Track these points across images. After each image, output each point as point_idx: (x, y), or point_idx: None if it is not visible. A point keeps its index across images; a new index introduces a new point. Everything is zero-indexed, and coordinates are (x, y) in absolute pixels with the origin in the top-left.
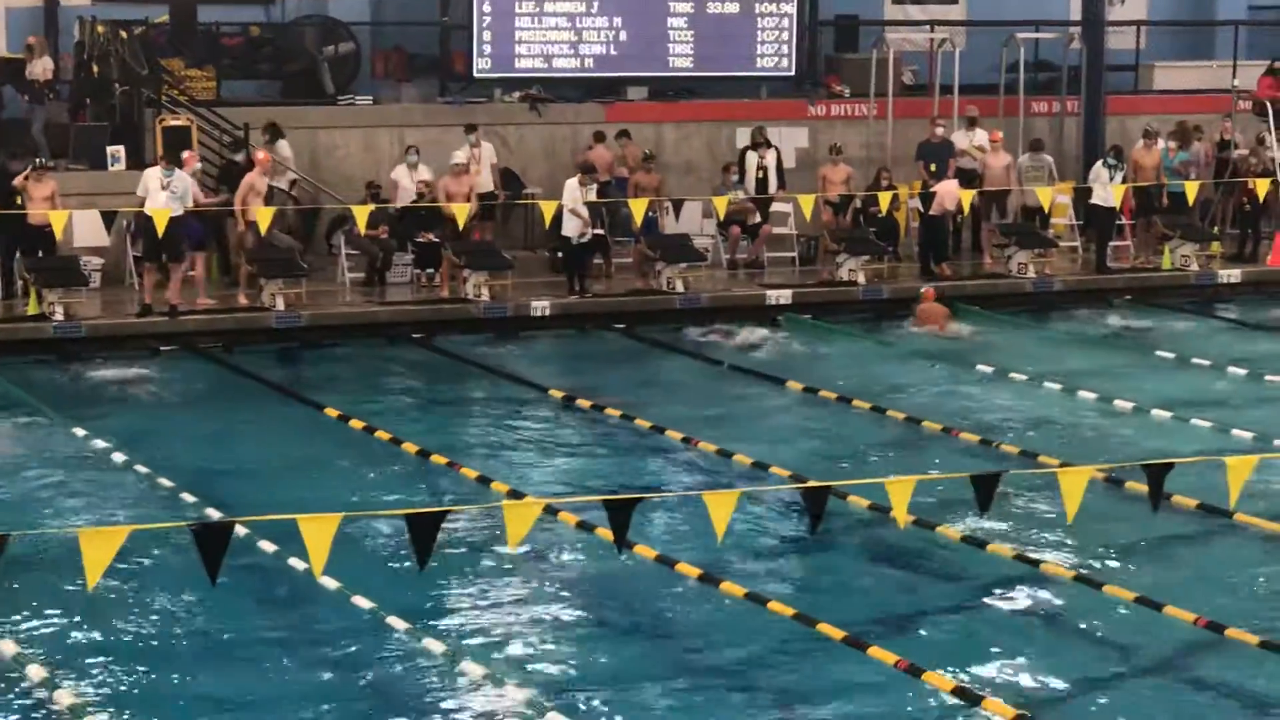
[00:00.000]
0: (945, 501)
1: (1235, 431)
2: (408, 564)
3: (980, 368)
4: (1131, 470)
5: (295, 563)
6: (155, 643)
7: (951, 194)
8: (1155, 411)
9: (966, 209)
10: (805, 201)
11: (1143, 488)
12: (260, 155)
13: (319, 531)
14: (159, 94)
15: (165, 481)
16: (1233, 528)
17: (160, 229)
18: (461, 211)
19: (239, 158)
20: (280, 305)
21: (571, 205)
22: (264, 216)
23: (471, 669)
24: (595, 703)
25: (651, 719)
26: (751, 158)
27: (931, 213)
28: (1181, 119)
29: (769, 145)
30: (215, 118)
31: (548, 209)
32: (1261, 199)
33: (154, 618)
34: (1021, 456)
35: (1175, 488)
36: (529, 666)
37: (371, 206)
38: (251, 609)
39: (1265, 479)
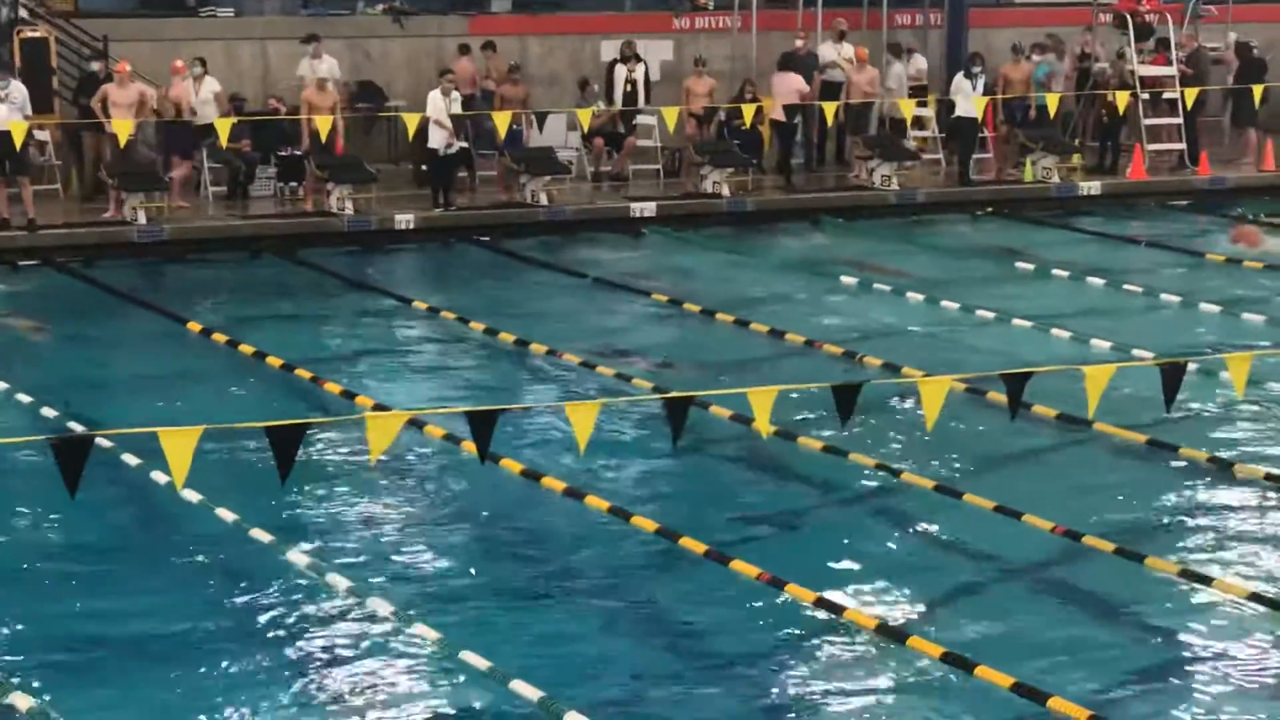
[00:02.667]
0: (808, 413)
1: (1094, 341)
2: (272, 477)
3: (843, 280)
4: (991, 380)
5: (158, 476)
6: (15, 556)
7: (788, 91)
8: (1016, 322)
9: (830, 120)
10: (669, 114)
11: (1002, 398)
12: (120, 66)
13: (180, 445)
14: (16, 6)
15: (24, 397)
16: (1091, 437)
17: None
18: (324, 124)
19: (95, 67)
20: (142, 219)
21: (436, 117)
22: (122, 129)
23: (336, 582)
24: (459, 616)
25: (515, 633)
26: (620, 71)
27: (772, 117)
28: (1051, 32)
29: (637, 59)
30: (74, 29)
31: (411, 121)
32: (1121, 112)
33: (14, 532)
34: (883, 368)
35: (1035, 397)
36: (394, 580)
37: (234, 119)
38: (114, 523)
39: (1123, 389)
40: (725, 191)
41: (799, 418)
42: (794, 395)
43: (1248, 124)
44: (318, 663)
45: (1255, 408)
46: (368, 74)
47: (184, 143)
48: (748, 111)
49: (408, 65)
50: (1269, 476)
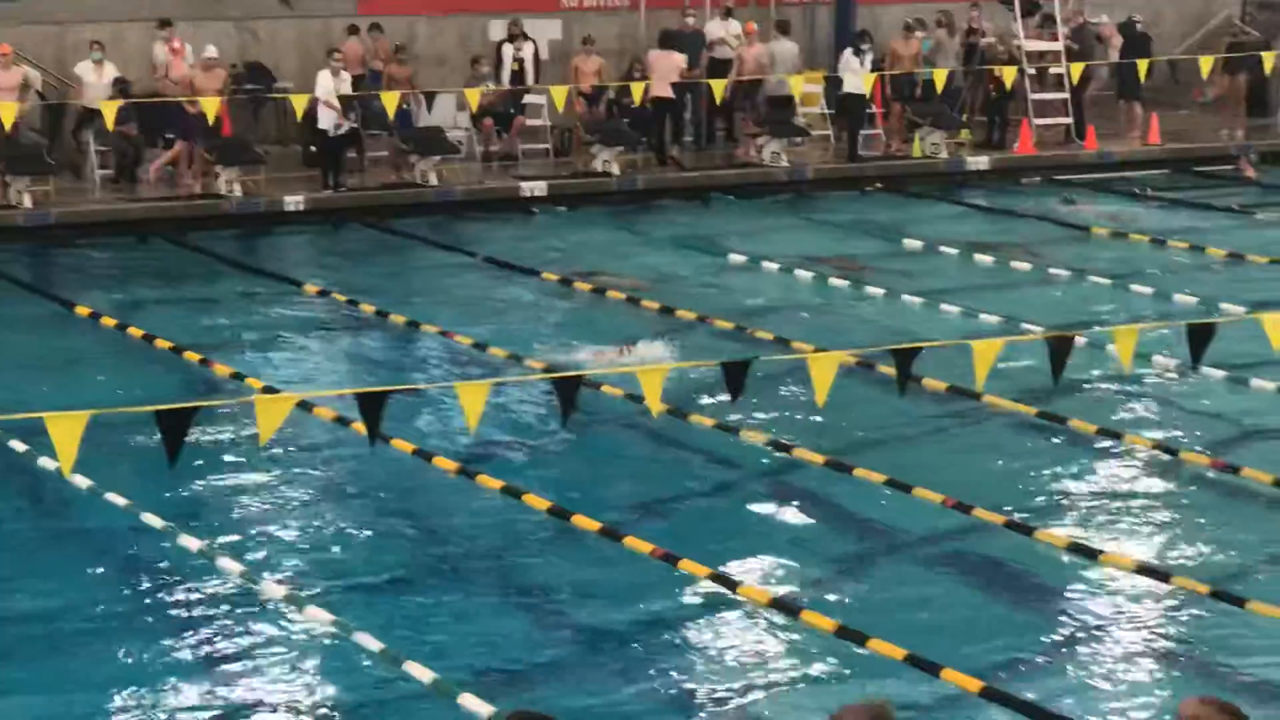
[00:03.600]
0: (699, 389)
1: (983, 315)
2: (162, 462)
3: (734, 256)
4: (881, 354)
5: (46, 462)
6: None
7: (668, 69)
8: (905, 297)
9: (719, 98)
10: (558, 93)
11: (892, 372)
12: (1, 48)
13: (67, 429)
14: None
15: None
16: (981, 410)
17: None
18: (210, 105)
19: None
20: (28, 203)
21: (324, 98)
22: (7, 112)
23: (228, 565)
24: (352, 598)
25: (408, 614)
26: (508, 50)
27: (654, 94)
28: (943, 9)
29: (525, 38)
30: None
31: (299, 103)
32: (1008, 87)
33: None
34: (775, 343)
35: (924, 371)
36: (286, 563)
37: (120, 102)
38: (2, 509)
39: (1012, 362)
40: (615, 170)
41: (688, 390)
42: (687, 372)
43: (1133, 98)
44: (211, 647)
45: (1143, 380)
46: (255, 55)
47: (176, 125)
48: (636, 90)
49: (296, 46)
50: (1157, 447)
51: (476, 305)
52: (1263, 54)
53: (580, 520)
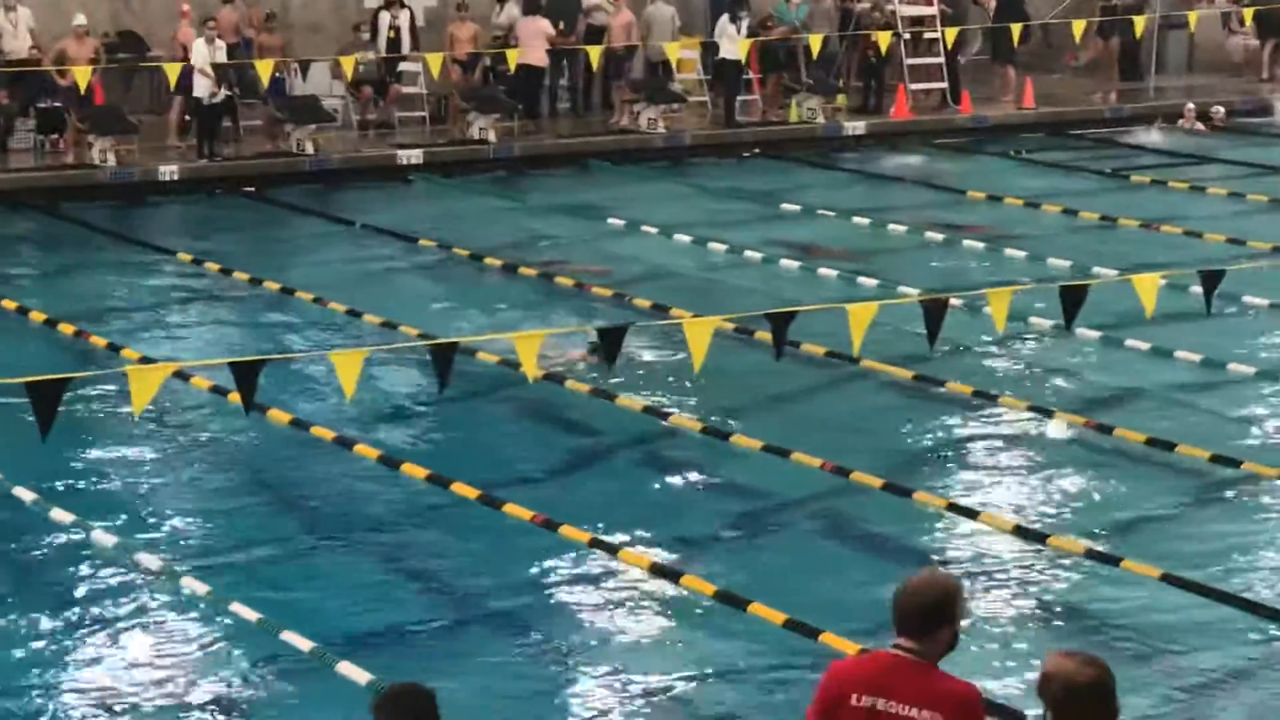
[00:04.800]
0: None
1: (860, 280)
2: (34, 434)
3: (612, 221)
4: (757, 320)
5: None
6: None
7: (533, 34)
8: (784, 262)
9: (595, 65)
10: (433, 60)
11: (769, 337)
12: None
13: None
14: None
15: None
16: (858, 374)
17: None
18: (82, 74)
19: None
20: None
21: (199, 66)
22: None
23: (103, 538)
24: (229, 569)
25: (286, 584)
26: (384, 17)
27: (522, 60)
28: None
29: (402, 5)
30: None
31: (172, 71)
32: (884, 52)
33: None
34: (653, 309)
35: (802, 336)
36: (162, 534)
37: None
38: None
39: (888, 325)
40: (491, 137)
41: (567, 361)
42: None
43: (1007, 62)
44: (86, 621)
45: (1017, 342)
46: (128, 24)
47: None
48: (511, 56)
49: (168, 15)
50: (1032, 408)
51: (353, 274)
52: (1134, 18)
53: (459, 488)
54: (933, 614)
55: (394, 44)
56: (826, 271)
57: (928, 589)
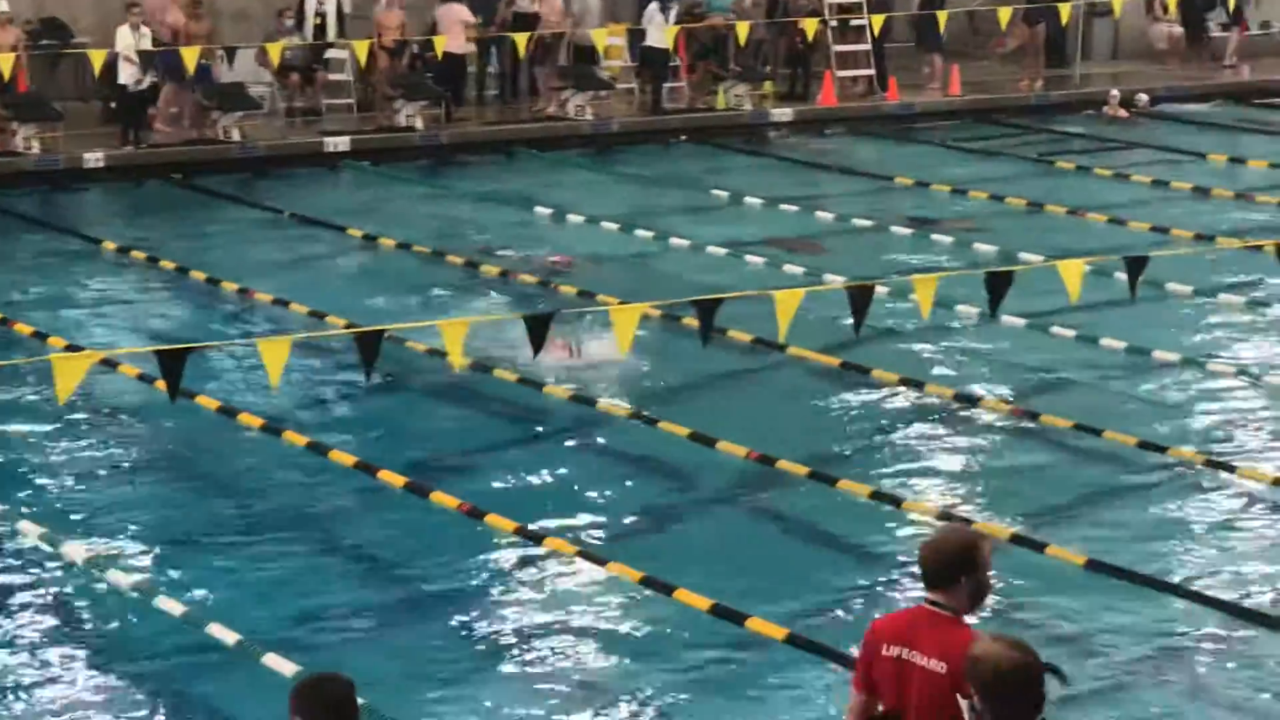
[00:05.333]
0: (501, 344)
1: (786, 267)
2: None
3: (539, 209)
4: (684, 306)
5: None
6: None
7: (451, 22)
8: (711, 249)
9: (522, 52)
10: (360, 47)
11: (696, 323)
12: None
13: None
14: None
15: None
16: (785, 361)
17: None
18: (5, 61)
19: None
20: None
21: (124, 53)
22: None
23: (27, 528)
24: (154, 560)
25: (212, 574)
26: (310, 3)
27: (447, 49)
28: None
29: None
30: None
31: (98, 58)
32: (811, 38)
33: None
34: (579, 296)
35: (729, 323)
36: (87, 524)
37: None
38: None
39: (815, 312)
40: (419, 125)
41: (493, 349)
42: (490, 326)
43: (933, 50)
44: (9, 612)
45: (943, 328)
46: (52, 10)
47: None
48: (439, 43)
49: (93, 1)
50: (958, 396)
51: (280, 261)
52: (1060, 5)
53: (386, 476)
54: (950, 567)
55: (320, 30)
56: (753, 258)
57: (943, 543)
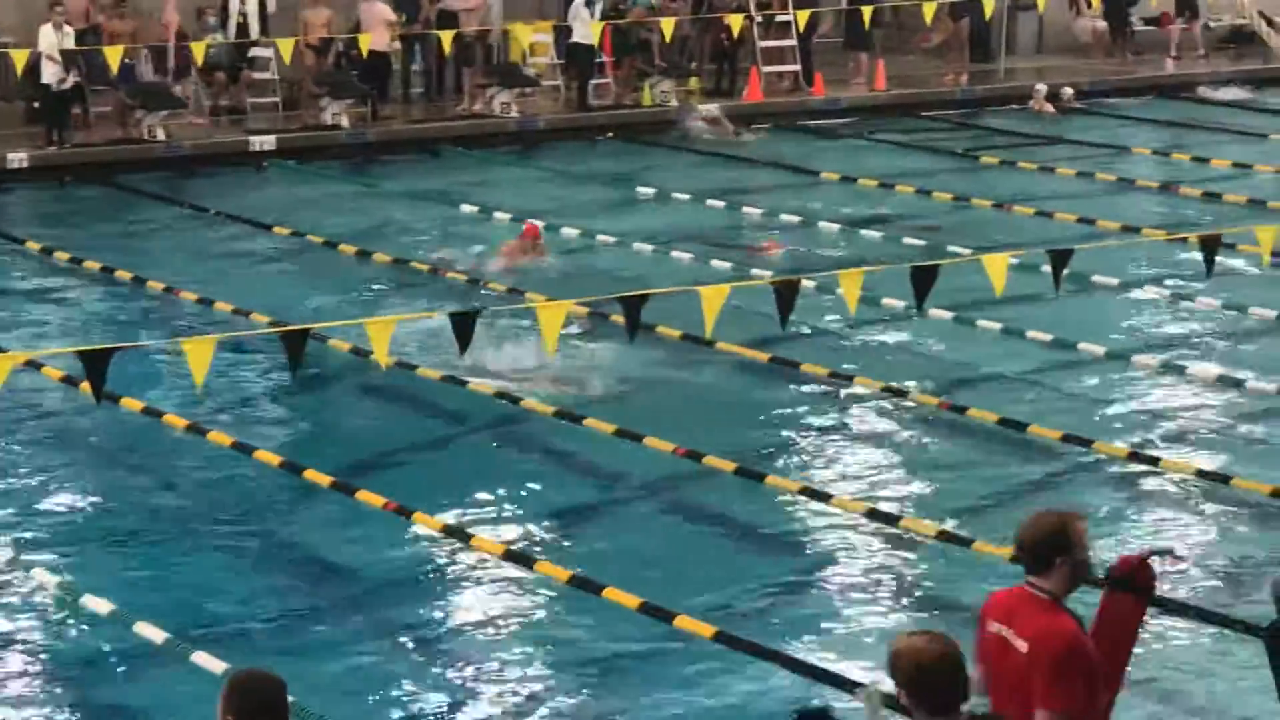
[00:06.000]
0: (428, 343)
1: (714, 263)
2: None
3: (466, 208)
4: (610, 303)
5: None
6: None
7: (374, 20)
8: (637, 245)
9: (448, 50)
10: (285, 45)
11: (623, 320)
12: None
13: None
14: None
15: None
16: (713, 357)
17: None
18: None
19: None
20: None
21: (47, 52)
22: None
23: None
24: (81, 560)
25: (139, 574)
26: (234, 2)
27: (372, 47)
28: None
29: None
30: None
31: (20, 58)
32: (737, 34)
33: None
34: (508, 294)
35: (657, 319)
36: (11, 525)
37: None
38: None
39: (742, 307)
40: (345, 123)
41: (419, 348)
42: (416, 324)
43: (859, 46)
44: None
45: (871, 323)
46: None
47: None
48: (364, 42)
49: (15, 1)
50: (886, 389)
51: (206, 261)
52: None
53: (312, 475)
54: (1044, 549)
55: (242, 29)
56: (680, 254)
57: (1037, 527)
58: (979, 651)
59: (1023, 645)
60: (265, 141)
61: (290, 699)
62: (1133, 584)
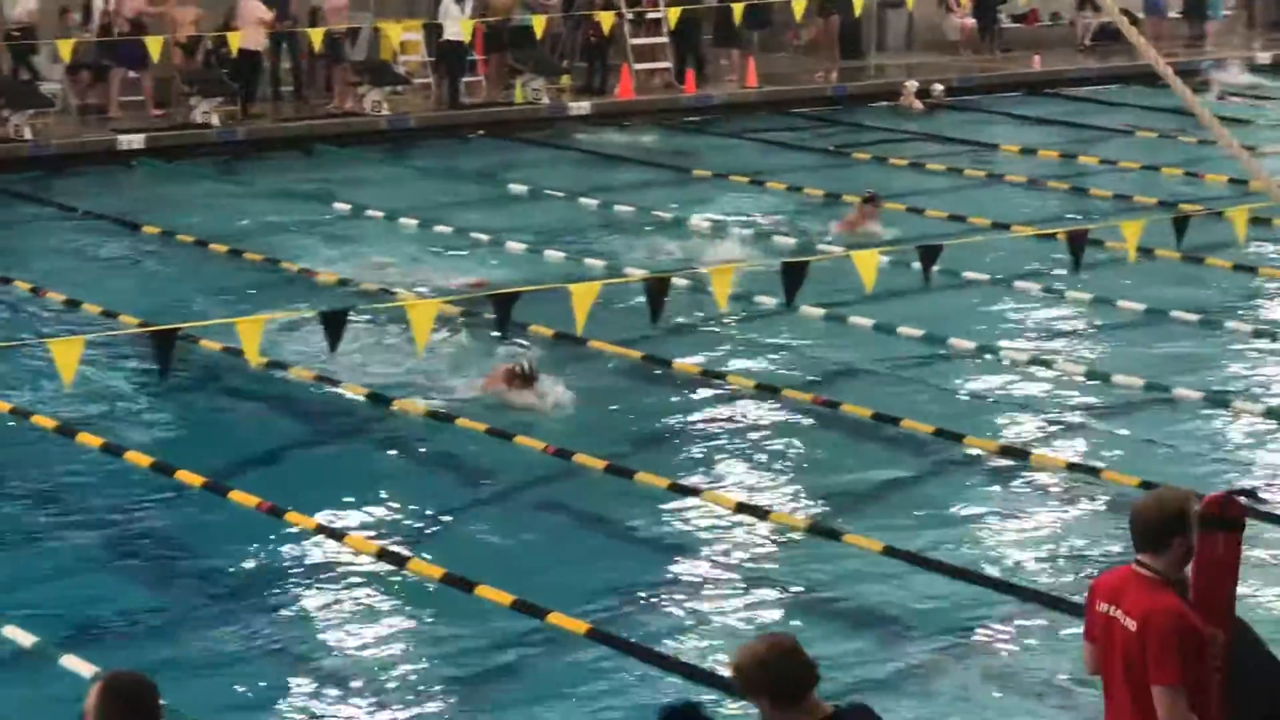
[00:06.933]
0: (298, 341)
1: (587, 260)
2: None
3: (337, 206)
4: (482, 301)
5: None
6: None
7: (248, 18)
8: (510, 244)
9: (318, 47)
10: (153, 44)
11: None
12: None
13: None
14: None
15: None
16: (584, 353)
17: None
18: None
19: None
20: None
21: None
22: None
23: None
24: None
25: (5, 576)
26: (97, 1)
27: (242, 45)
28: None
29: None
30: None
31: None
32: (607, 32)
33: None
34: (379, 293)
35: (529, 317)
36: None
37: None
38: None
39: (615, 304)
40: (215, 121)
41: (285, 343)
42: (287, 323)
43: (730, 43)
44: None
45: (743, 320)
46: None
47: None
48: (233, 39)
49: None
50: (759, 385)
51: (74, 261)
52: None
53: (184, 475)
54: (1164, 528)
55: (106, 29)
56: (553, 252)
57: (1157, 505)
58: (1088, 630)
59: (1132, 624)
60: (134, 140)
61: (162, 701)
62: (1223, 521)
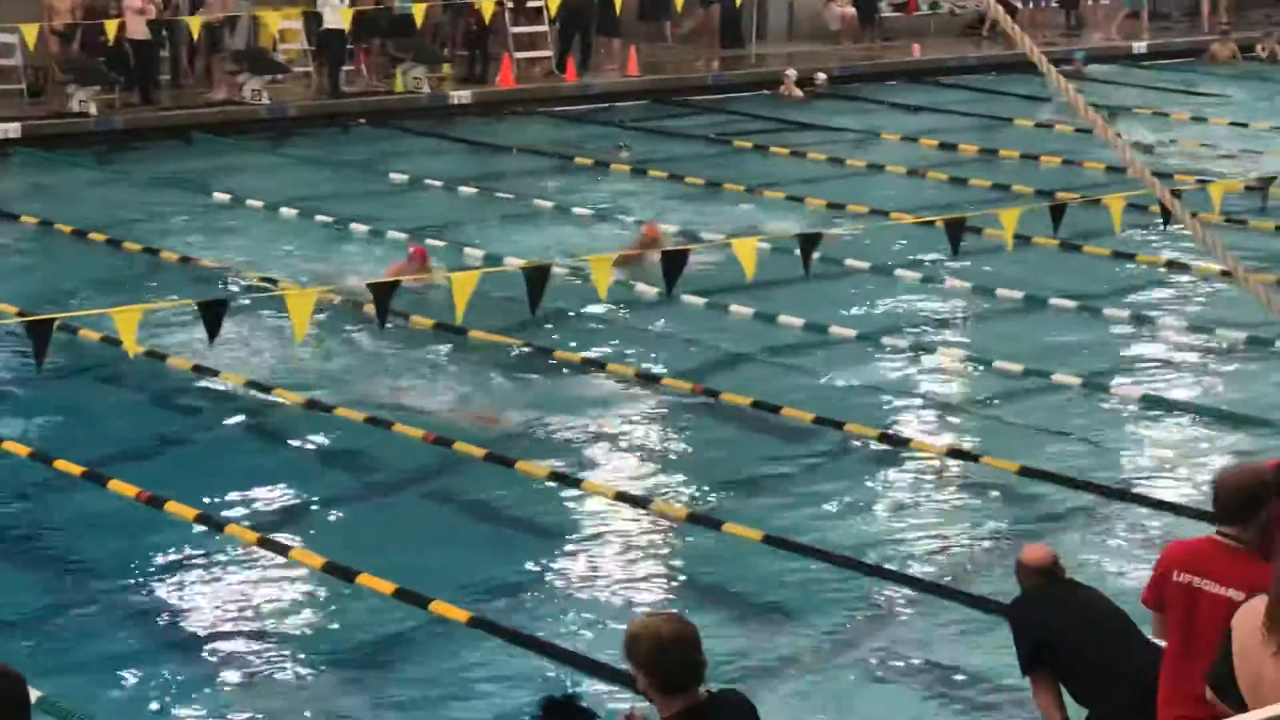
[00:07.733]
0: (176, 331)
1: (467, 250)
2: None
3: (217, 195)
4: (362, 291)
5: None
6: None
7: (129, 6)
8: (390, 233)
9: (197, 35)
10: (29, 31)
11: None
12: None
13: None
14: None
15: None
16: (464, 343)
17: None
18: None
19: None
20: None
21: None
22: None
23: None
24: None
25: None
26: None
27: (130, 35)
28: None
29: None
30: None
31: None
32: (488, 21)
33: None
34: (261, 283)
35: (411, 308)
36: None
37: None
38: None
39: (496, 294)
40: (93, 110)
41: (169, 332)
42: (167, 313)
43: (611, 33)
44: None
45: (623, 308)
46: None
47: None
48: (110, 27)
49: None
50: (639, 375)
51: None
52: None
53: (62, 464)
54: (1247, 502)
55: None
56: (434, 241)
57: (1239, 479)
58: (1163, 602)
59: (1237, 594)
60: (9, 129)
61: (36, 693)
62: None
